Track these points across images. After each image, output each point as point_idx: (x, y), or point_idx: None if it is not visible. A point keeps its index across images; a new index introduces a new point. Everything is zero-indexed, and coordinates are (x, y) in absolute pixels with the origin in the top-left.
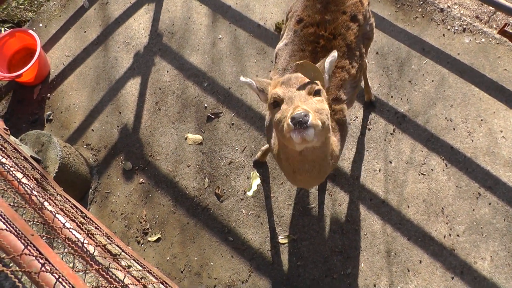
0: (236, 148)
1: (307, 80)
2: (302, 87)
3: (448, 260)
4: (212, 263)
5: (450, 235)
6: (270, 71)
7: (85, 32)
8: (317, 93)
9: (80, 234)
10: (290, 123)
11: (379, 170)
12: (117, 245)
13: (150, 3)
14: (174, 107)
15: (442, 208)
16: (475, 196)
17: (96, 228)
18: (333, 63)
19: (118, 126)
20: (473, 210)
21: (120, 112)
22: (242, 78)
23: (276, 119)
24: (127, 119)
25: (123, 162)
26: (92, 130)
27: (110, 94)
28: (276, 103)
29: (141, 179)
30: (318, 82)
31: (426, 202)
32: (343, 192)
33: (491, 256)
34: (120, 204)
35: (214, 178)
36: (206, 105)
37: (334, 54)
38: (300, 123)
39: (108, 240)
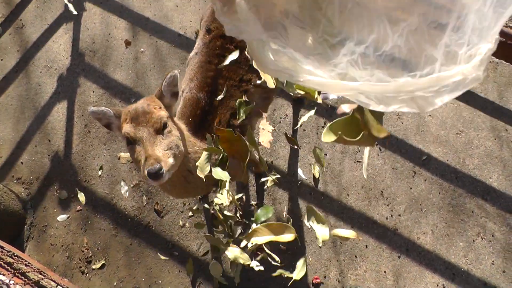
0: None
1: (153, 113)
2: (150, 125)
3: (393, 240)
4: (160, 281)
5: (392, 216)
6: None
7: (1, 60)
8: (164, 126)
9: (5, 275)
10: (147, 177)
11: (315, 164)
12: (51, 279)
13: (68, 23)
14: (103, 128)
15: (381, 191)
16: (411, 175)
17: (27, 265)
18: (174, 82)
19: (49, 155)
20: (411, 188)
21: (49, 140)
22: (92, 108)
23: (133, 158)
24: (58, 146)
25: (58, 191)
26: (21, 162)
27: (37, 122)
28: (129, 141)
29: (79, 206)
30: (162, 111)
31: (365, 187)
32: (282, 190)
33: (431, 230)
34: (60, 236)
35: (152, 194)
36: None
37: (172, 73)
38: (155, 175)
39: (41, 276)
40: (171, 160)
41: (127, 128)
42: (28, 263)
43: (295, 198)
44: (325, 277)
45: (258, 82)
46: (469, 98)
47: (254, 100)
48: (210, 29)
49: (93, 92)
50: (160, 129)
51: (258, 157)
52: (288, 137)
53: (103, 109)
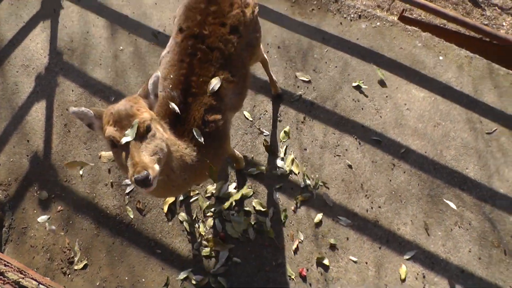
0: None
1: (136, 116)
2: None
3: (374, 231)
4: (143, 279)
5: (372, 208)
6: None
7: None
8: (148, 130)
9: None
10: (135, 184)
11: (295, 158)
12: (32, 278)
13: (45, 21)
14: (84, 127)
15: (361, 184)
16: (390, 167)
17: (6, 265)
18: (157, 83)
19: (27, 156)
20: (390, 180)
21: (28, 140)
22: (73, 109)
23: (117, 161)
24: (37, 146)
25: (38, 192)
26: None
27: (14, 122)
28: (113, 144)
29: (59, 207)
30: (145, 113)
31: (345, 181)
32: (263, 186)
33: (411, 220)
34: (40, 237)
35: (134, 192)
36: None
37: (157, 74)
38: (143, 183)
39: (21, 275)
40: (157, 167)
41: (111, 131)
42: (8, 262)
43: (276, 193)
44: (307, 270)
45: (231, 78)
46: (445, 91)
47: (227, 96)
48: (182, 28)
49: (72, 91)
50: (145, 133)
51: (237, 154)
52: (266, 146)
53: (83, 109)
